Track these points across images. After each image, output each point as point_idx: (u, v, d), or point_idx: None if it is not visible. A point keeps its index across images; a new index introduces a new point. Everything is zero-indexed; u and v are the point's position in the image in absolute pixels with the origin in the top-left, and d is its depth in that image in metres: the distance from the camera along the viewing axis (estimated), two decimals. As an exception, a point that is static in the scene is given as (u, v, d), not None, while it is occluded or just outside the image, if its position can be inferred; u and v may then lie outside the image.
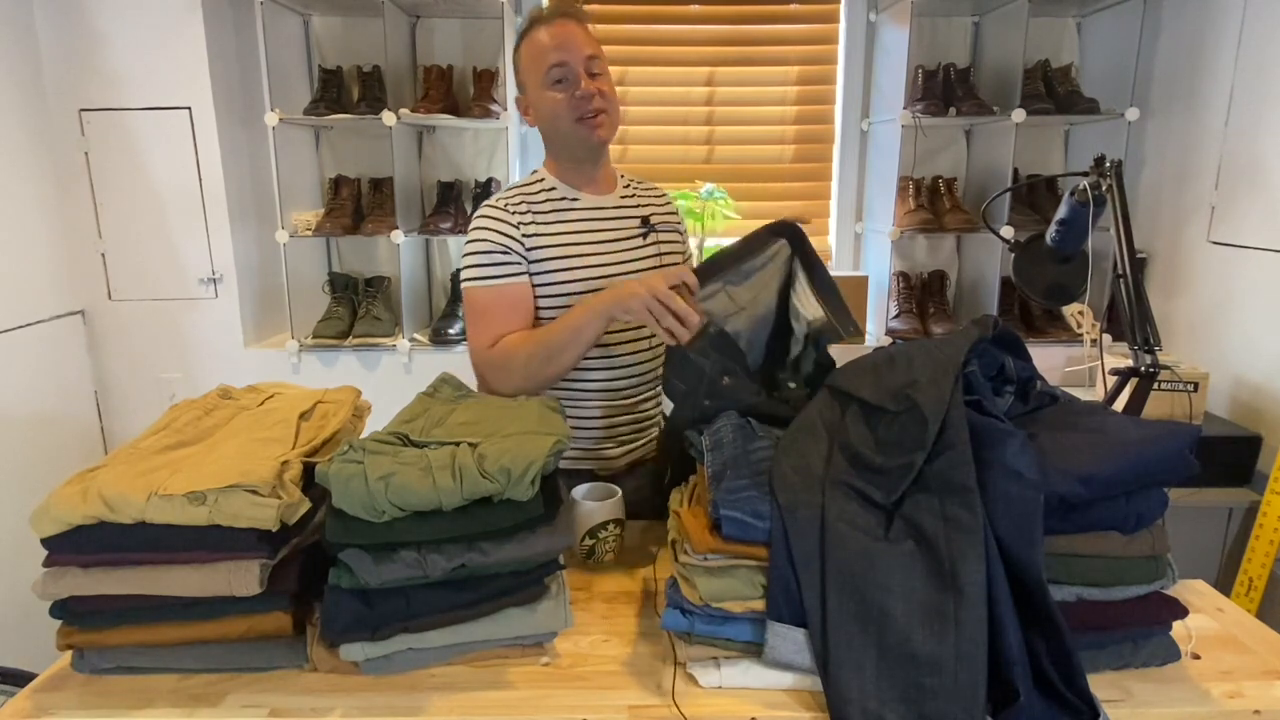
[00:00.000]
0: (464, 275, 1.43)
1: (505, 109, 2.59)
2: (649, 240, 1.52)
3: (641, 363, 1.52)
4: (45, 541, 0.92)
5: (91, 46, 2.37)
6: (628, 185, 1.57)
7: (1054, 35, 2.73)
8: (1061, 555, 0.93)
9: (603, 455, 1.53)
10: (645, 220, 1.53)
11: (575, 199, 1.48)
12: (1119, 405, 1.48)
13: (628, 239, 1.50)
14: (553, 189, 1.48)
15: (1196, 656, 1.02)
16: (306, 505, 0.96)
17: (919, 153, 2.77)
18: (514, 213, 1.43)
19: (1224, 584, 2.16)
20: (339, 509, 0.94)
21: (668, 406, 1.23)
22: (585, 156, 1.47)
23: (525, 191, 1.47)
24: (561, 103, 1.39)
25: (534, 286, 1.44)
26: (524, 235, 1.42)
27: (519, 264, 1.42)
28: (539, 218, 1.44)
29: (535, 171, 1.52)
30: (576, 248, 1.44)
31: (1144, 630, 0.98)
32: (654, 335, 1.42)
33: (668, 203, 1.63)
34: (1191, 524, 2.16)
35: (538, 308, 1.45)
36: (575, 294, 1.43)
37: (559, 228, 1.44)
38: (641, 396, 1.55)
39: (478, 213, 1.45)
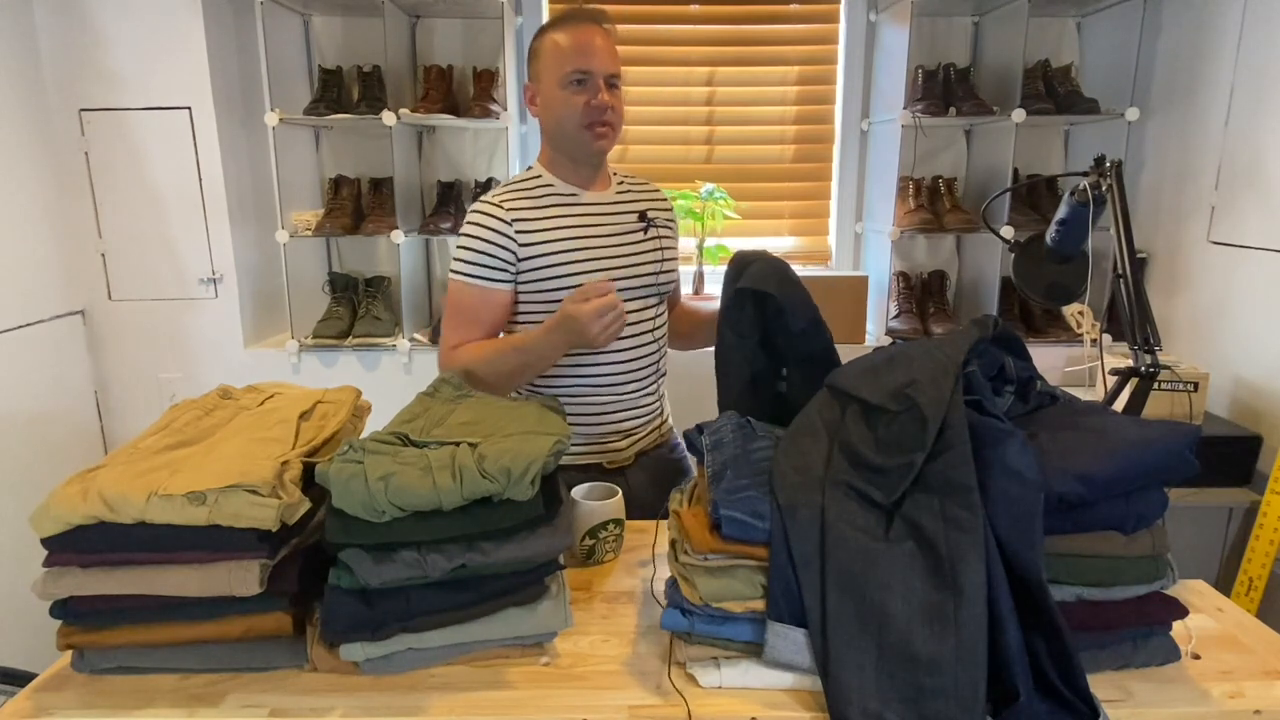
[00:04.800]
0: (453, 266, 1.46)
1: (505, 109, 2.59)
2: (649, 235, 1.54)
3: (643, 355, 1.54)
4: (45, 541, 0.92)
5: (91, 46, 2.37)
6: (621, 182, 1.59)
7: (1054, 35, 2.73)
8: (1061, 555, 0.93)
9: (610, 449, 1.54)
10: (643, 215, 1.54)
11: (574, 194, 1.49)
12: (1119, 405, 1.47)
13: (627, 233, 1.52)
14: (550, 185, 1.49)
15: (1196, 656, 1.02)
16: (306, 505, 0.96)
17: (919, 153, 2.77)
18: (510, 209, 1.44)
19: (1224, 584, 2.16)
20: (339, 509, 0.94)
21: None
22: (583, 159, 1.49)
23: (522, 188, 1.48)
24: (575, 106, 1.42)
25: (534, 283, 1.45)
26: (518, 233, 1.43)
27: (506, 270, 1.44)
28: (539, 214, 1.44)
29: (530, 168, 1.53)
30: (577, 242, 1.45)
31: (1144, 630, 0.98)
32: (655, 328, 1.55)
33: (662, 198, 1.64)
34: (1191, 524, 2.16)
35: (539, 303, 1.46)
36: (575, 287, 1.42)
37: (559, 224, 1.45)
38: (644, 389, 1.56)
39: (474, 208, 1.46)
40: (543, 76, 1.45)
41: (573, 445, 1.52)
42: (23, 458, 2.25)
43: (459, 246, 1.45)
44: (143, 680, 0.97)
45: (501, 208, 1.44)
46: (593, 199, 1.51)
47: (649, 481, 1.54)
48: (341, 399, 1.22)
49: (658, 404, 1.61)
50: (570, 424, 1.50)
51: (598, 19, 1.44)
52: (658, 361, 1.58)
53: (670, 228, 1.61)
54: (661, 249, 1.55)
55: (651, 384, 1.57)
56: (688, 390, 1.77)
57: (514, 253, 1.43)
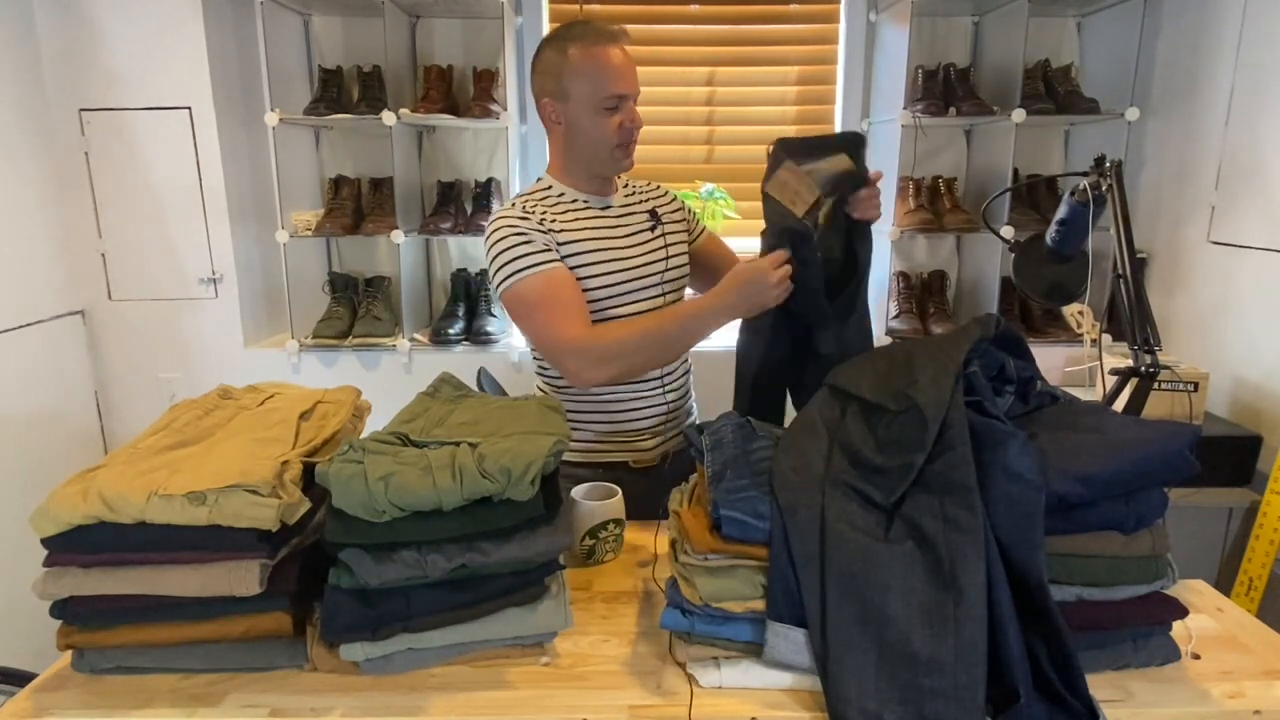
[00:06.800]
0: (509, 271, 1.39)
1: (505, 109, 2.59)
2: (657, 233, 1.56)
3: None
4: (45, 541, 0.92)
5: (91, 46, 2.37)
6: (626, 185, 1.61)
7: (1054, 35, 2.73)
8: (1061, 555, 0.94)
9: (636, 447, 1.56)
10: (653, 213, 1.57)
11: (586, 201, 1.52)
12: (1119, 405, 1.48)
13: (638, 233, 1.54)
14: (563, 194, 1.51)
15: (1196, 656, 1.02)
16: (306, 505, 0.96)
17: (919, 153, 2.77)
18: (528, 211, 1.45)
19: (1224, 584, 2.15)
20: (339, 509, 0.94)
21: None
22: (606, 174, 1.52)
23: (534, 197, 1.50)
24: (611, 128, 1.43)
25: None
26: (547, 230, 1.44)
27: (555, 251, 1.42)
28: (556, 220, 1.46)
29: (540, 180, 1.55)
30: (593, 244, 1.47)
31: (1144, 630, 0.98)
32: None
33: (666, 194, 1.66)
34: (1191, 524, 2.16)
35: None
36: (595, 289, 1.45)
37: (575, 229, 1.47)
38: (668, 386, 1.57)
39: (494, 220, 1.43)
40: (574, 96, 1.41)
41: (597, 443, 1.55)
42: (23, 458, 2.25)
43: (502, 254, 1.39)
44: (142, 680, 0.97)
45: (524, 211, 1.44)
46: (604, 203, 1.54)
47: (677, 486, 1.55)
48: (341, 399, 1.22)
49: (684, 403, 1.63)
50: (593, 420, 1.54)
51: (619, 38, 1.43)
52: (684, 359, 1.61)
53: (678, 223, 1.63)
54: (667, 245, 1.56)
55: (675, 380, 1.59)
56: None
57: (550, 240, 1.42)
